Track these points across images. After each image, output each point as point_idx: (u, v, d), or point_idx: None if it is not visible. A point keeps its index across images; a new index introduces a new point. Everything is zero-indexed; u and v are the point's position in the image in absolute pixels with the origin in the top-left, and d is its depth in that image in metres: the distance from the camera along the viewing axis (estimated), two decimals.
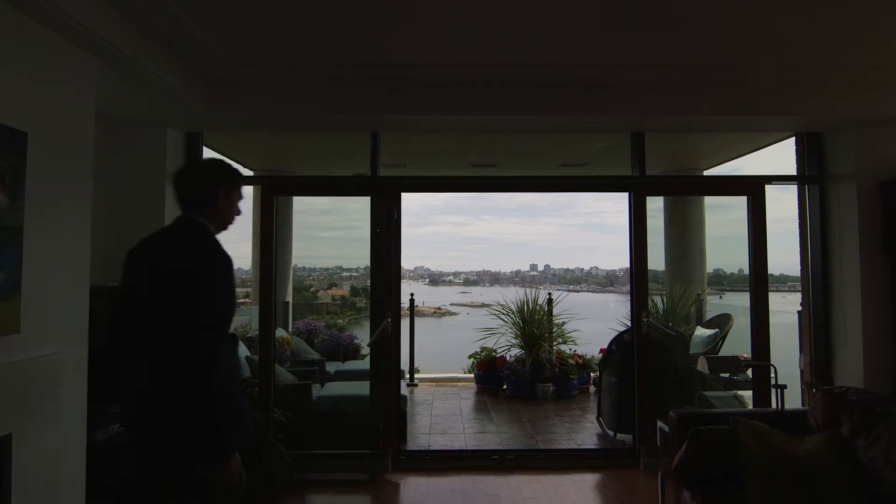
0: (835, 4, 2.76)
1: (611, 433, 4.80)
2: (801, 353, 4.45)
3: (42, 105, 2.43)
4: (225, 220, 2.08)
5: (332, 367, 5.90)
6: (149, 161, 3.97)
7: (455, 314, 21.83)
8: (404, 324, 7.21)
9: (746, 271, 4.41)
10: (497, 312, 7.26)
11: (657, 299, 6.64)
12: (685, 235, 7.13)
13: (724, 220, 7.63)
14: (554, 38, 3.17)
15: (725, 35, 3.13)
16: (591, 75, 3.66)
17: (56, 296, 2.49)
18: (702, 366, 3.38)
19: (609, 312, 7.24)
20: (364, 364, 5.59)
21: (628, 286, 4.47)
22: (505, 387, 6.57)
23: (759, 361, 4.11)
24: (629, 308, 4.43)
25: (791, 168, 4.53)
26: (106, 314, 3.14)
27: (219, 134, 4.84)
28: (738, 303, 5.68)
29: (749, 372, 4.46)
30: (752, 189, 4.31)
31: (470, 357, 7.13)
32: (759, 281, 4.26)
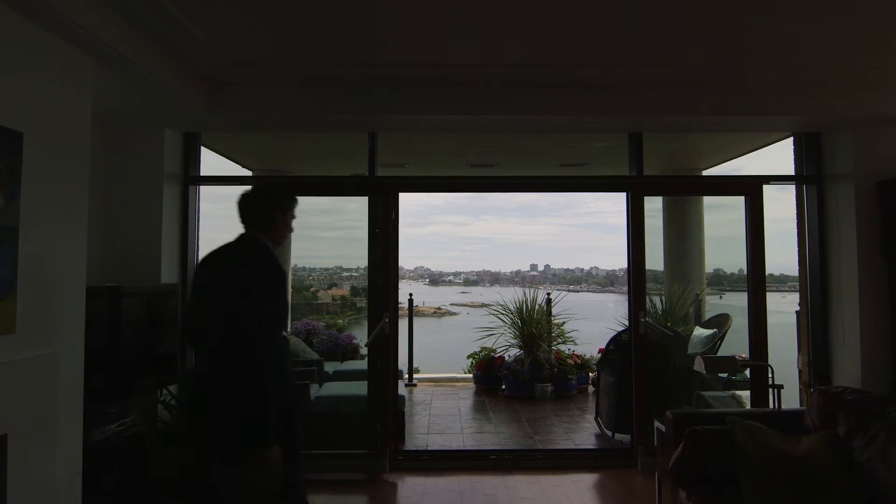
0: (834, 4, 2.76)
1: (609, 433, 4.80)
2: (799, 354, 4.45)
3: (38, 105, 2.43)
4: (281, 236, 2.41)
5: (330, 367, 5.90)
6: (147, 161, 3.98)
7: (455, 314, 21.83)
8: (403, 324, 7.24)
9: (746, 271, 4.40)
10: (496, 312, 7.26)
11: (656, 299, 6.64)
12: (684, 235, 7.12)
13: (723, 220, 7.62)
14: (554, 39, 3.16)
15: (725, 35, 3.13)
16: (590, 75, 3.66)
17: (52, 296, 2.49)
18: (698, 366, 3.38)
19: (608, 312, 7.22)
20: (363, 364, 5.57)
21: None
22: (504, 387, 6.58)
23: (755, 361, 4.11)
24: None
25: (790, 168, 4.53)
26: (102, 313, 3.17)
27: (217, 134, 4.84)
28: (737, 303, 5.68)
29: (747, 372, 4.45)
30: (750, 189, 4.31)
31: (469, 357, 7.13)
32: (756, 281, 4.26)
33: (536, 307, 7.12)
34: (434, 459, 4.31)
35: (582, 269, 24.31)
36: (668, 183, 5.31)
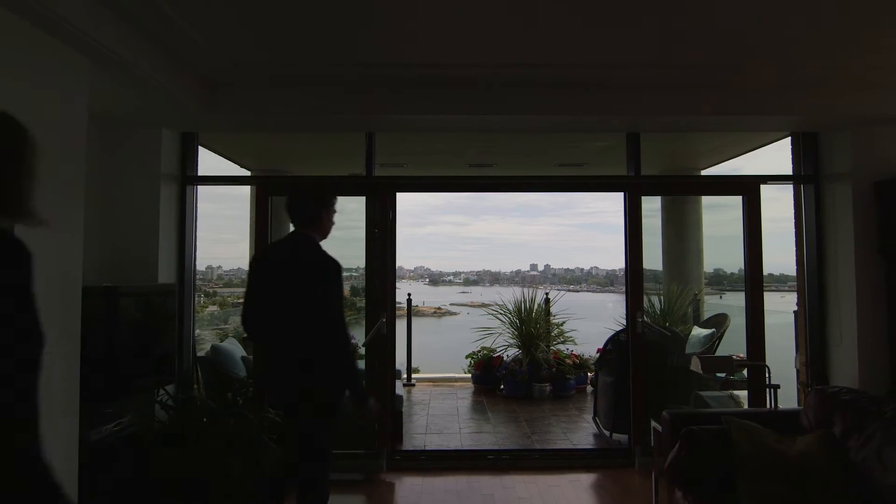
0: (832, 4, 2.76)
1: (607, 433, 4.80)
2: (796, 353, 4.44)
3: (34, 106, 2.43)
4: (325, 232, 2.77)
5: None
6: (144, 161, 3.98)
7: (455, 314, 21.86)
8: (401, 324, 7.24)
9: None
10: (494, 312, 7.26)
11: (655, 299, 6.64)
12: (683, 235, 7.12)
13: (723, 219, 7.61)
14: (552, 39, 3.16)
15: (723, 35, 3.12)
16: (588, 75, 3.65)
17: (47, 295, 2.47)
18: (695, 365, 3.38)
19: (607, 312, 7.22)
20: (361, 364, 5.58)
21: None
22: (502, 387, 6.57)
23: (752, 361, 4.11)
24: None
25: (790, 168, 4.52)
26: (99, 313, 3.17)
27: (215, 134, 4.85)
28: (737, 303, 5.68)
29: (745, 372, 4.45)
30: (748, 189, 4.31)
31: (467, 357, 7.13)
32: (754, 281, 4.26)
33: (535, 307, 7.12)
34: (431, 459, 4.31)
35: (582, 269, 24.33)
36: (665, 183, 5.32)
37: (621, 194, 4.40)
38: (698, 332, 5.74)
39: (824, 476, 2.43)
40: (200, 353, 4.68)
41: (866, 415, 2.53)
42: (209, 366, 4.49)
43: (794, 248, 4.46)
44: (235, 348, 4.84)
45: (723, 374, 4.72)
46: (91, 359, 2.88)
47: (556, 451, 4.57)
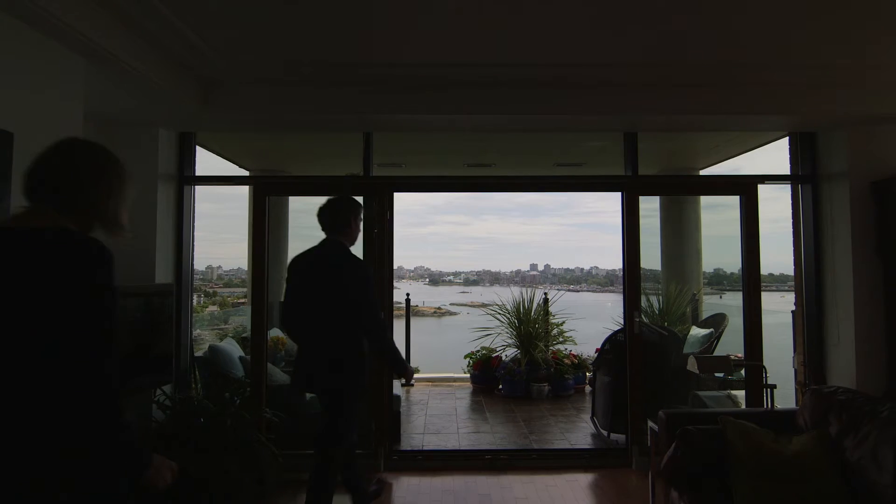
0: (830, 4, 2.76)
1: (604, 433, 4.80)
2: (794, 353, 4.44)
3: (29, 106, 2.44)
4: (354, 238, 3.07)
5: None
6: (141, 161, 3.97)
7: (455, 314, 21.85)
8: (400, 324, 7.25)
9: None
10: (493, 312, 7.26)
11: (653, 299, 6.64)
12: (682, 235, 7.12)
13: (722, 219, 7.62)
14: (551, 39, 3.16)
15: (720, 35, 3.13)
16: (588, 75, 3.65)
17: None
18: (691, 365, 3.38)
19: (606, 312, 7.23)
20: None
21: None
22: (500, 387, 6.57)
23: (749, 361, 4.11)
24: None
25: (789, 167, 4.52)
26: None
27: (213, 134, 4.85)
28: (737, 303, 5.68)
29: (743, 371, 4.45)
30: (745, 189, 4.31)
31: (466, 357, 7.13)
32: (751, 281, 4.26)
33: (534, 307, 7.12)
34: (429, 459, 4.31)
35: (582, 269, 24.33)
36: (662, 183, 5.32)
37: (621, 194, 4.40)
38: (696, 332, 5.74)
39: (820, 476, 2.43)
40: (198, 353, 4.69)
41: (862, 415, 2.53)
42: (207, 366, 4.49)
43: (792, 248, 4.46)
44: (233, 348, 4.84)
45: (721, 374, 4.72)
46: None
47: (553, 451, 4.57)
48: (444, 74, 3.63)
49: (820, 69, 3.55)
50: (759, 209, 4.29)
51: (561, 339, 7.16)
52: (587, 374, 6.61)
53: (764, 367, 3.62)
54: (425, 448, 4.58)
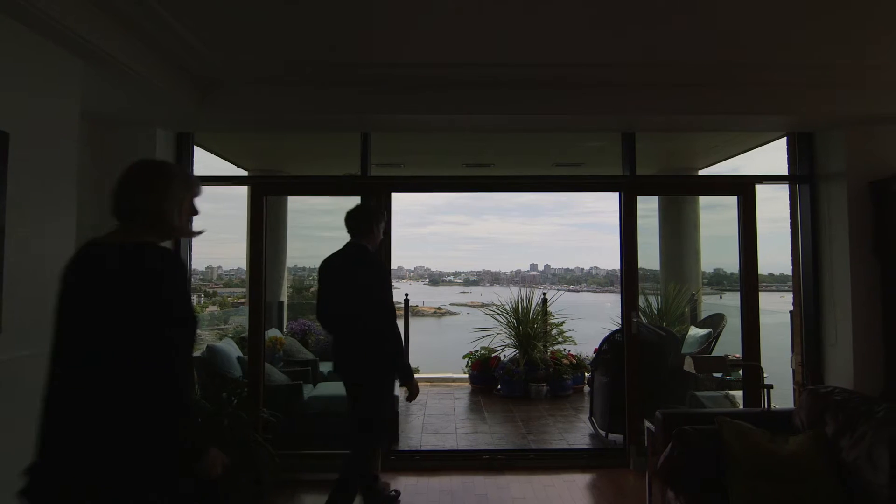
0: (828, 5, 2.76)
1: (602, 433, 4.79)
2: (792, 353, 4.44)
3: (26, 106, 2.44)
4: (376, 241, 3.36)
5: (326, 367, 5.90)
6: None
7: (455, 314, 21.80)
8: (400, 324, 7.21)
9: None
10: (491, 313, 7.26)
11: (652, 299, 6.63)
12: (680, 235, 7.12)
13: (722, 219, 7.61)
14: (549, 39, 3.16)
15: (719, 35, 3.13)
16: (586, 75, 3.65)
17: (40, 295, 2.48)
18: (688, 365, 3.37)
19: (605, 312, 7.22)
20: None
21: None
22: (499, 387, 6.57)
23: (746, 361, 4.11)
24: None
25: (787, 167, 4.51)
26: None
27: (212, 134, 4.85)
28: (737, 303, 5.69)
29: (741, 371, 4.45)
30: (743, 189, 4.31)
31: (464, 357, 7.12)
32: (749, 281, 4.26)
33: (532, 307, 7.12)
34: (427, 459, 4.31)
35: (582, 269, 24.31)
36: (660, 183, 5.32)
37: (618, 194, 4.39)
38: (695, 332, 5.74)
39: (816, 476, 2.43)
40: (196, 354, 4.69)
41: (858, 415, 2.53)
42: (204, 366, 4.49)
43: (790, 248, 4.46)
44: (231, 349, 4.84)
45: (719, 374, 4.72)
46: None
47: (551, 451, 4.57)
48: (444, 74, 3.63)
49: (820, 69, 3.55)
50: (756, 209, 4.29)
51: (560, 340, 7.15)
52: (586, 374, 6.61)
53: (761, 367, 3.61)
54: (423, 448, 4.58)
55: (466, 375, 7.04)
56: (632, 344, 4.25)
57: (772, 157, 5.02)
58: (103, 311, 1.47)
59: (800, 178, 4.36)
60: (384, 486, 3.65)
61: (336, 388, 5.03)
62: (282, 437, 3.90)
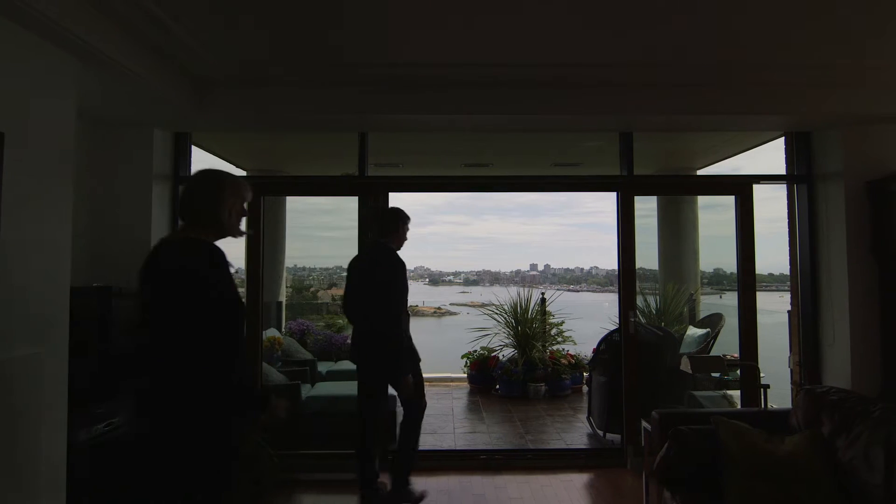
0: (830, 4, 2.76)
1: (600, 433, 4.79)
2: (790, 353, 4.44)
3: (21, 105, 2.44)
4: (401, 242, 3.60)
5: (325, 367, 5.91)
6: (136, 161, 3.98)
7: (455, 314, 21.82)
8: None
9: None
10: (490, 312, 7.26)
11: (651, 299, 6.63)
12: (679, 235, 7.11)
13: (722, 219, 7.59)
14: (548, 39, 3.16)
15: (721, 35, 3.12)
16: (585, 75, 3.65)
17: (35, 296, 2.49)
18: (685, 365, 3.37)
19: (604, 312, 7.22)
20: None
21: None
22: (498, 387, 6.57)
23: (743, 361, 4.10)
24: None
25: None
26: (91, 313, 3.17)
27: (210, 134, 4.85)
28: (736, 303, 5.70)
29: (739, 371, 4.44)
30: (740, 189, 4.30)
31: (463, 357, 7.12)
32: (746, 281, 4.26)
33: (531, 307, 7.12)
34: (424, 459, 4.29)
35: (582, 269, 24.32)
36: (657, 183, 5.31)
37: (616, 194, 4.39)
38: (693, 331, 5.74)
39: (811, 476, 2.43)
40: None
41: (854, 415, 2.54)
42: None
43: (788, 248, 4.45)
44: None
45: (717, 374, 4.72)
46: (82, 359, 2.89)
47: (549, 451, 4.57)
48: (444, 74, 3.63)
49: (819, 69, 3.54)
50: (754, 209, 4.29)
51: (560, 339, 7.16)
52: (584, 374, 6.61)
53: (757, 367, 3.61)
54: (421, 448, 4.56)
55: (465, 375, 7.05)
56: (629, 344, 4.26)
57: (771, 156, 5.02)
58: (162, 295, 1.85)
59: (797, 177, 4.35)
60: (381, 485, 3.66)
61: (334, 388, 5.04)
62: (280, 438, 3.89)
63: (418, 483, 3.88)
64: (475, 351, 7.09)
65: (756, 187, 4.35)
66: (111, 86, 3.17)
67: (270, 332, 5.63)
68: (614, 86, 3.75)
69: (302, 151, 6.20)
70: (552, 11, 2.83)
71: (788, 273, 4.51)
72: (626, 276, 4.30)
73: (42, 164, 2.56)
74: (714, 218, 7.50)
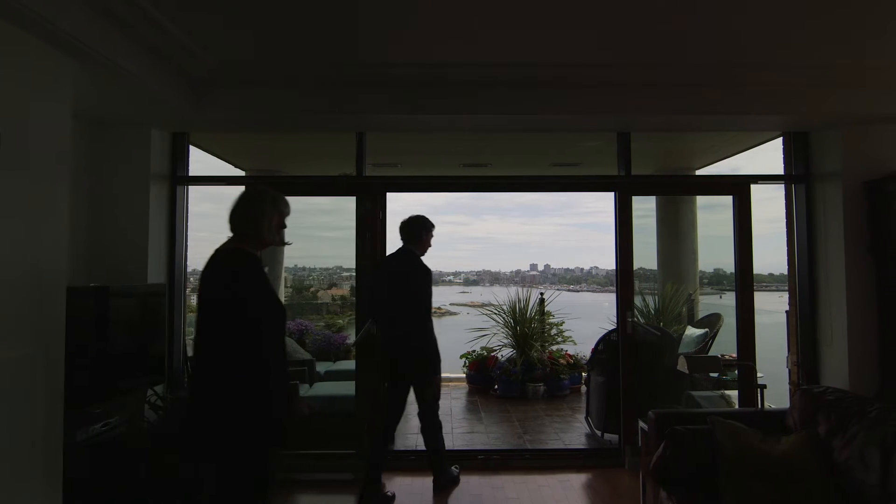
0: (830, 4, 2.75)
1: (598, 433, 4.79)
2: (788, 353, 4.43)
3: (17, 106, 2.44)
4: (425, 248, 3.80)
5: (323, 367, 5.91)
6: (134, 161, 3.98)
7: (455, 314, 21.79)
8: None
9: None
10: (489, 313, 7.26)
11: (649, 299, 6.62)
12: (678, 235, 7.11)
13: (722, 219, 7.57)
14: (546, 39, 3.16)
15: (721, 35, 3.12)
16: (588, 75, 3.65)
17: (30, 297, 2.49)
18: (682, 365, 3.37)
19: (603, 312, 7.22)
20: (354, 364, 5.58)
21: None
22: (496, 387, 6.57)
23: (740, 361, 4.10)
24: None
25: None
26: (88, 313, 3.16)
27: (209, 134, 4.84)
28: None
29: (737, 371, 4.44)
30: (738, 189, 4.30)
31: (462, 357, 7.12)
32: (744, 280, 4.25)
33: (530, 307, 7.11)
34: (422, 459, 4.27)
35: (582, 269, 24.29)
36: (655, 183, 5.31)
37: (614, 194, 4.39)
38: (692, 331, 5.74)
39: (808, 476, 2.43)
40: (191, 354, 4.68)
41: (850, 415, 2.53)
42: None
43: (786, 248, 4.45)
44: None
45: (715, 374, 4.71)
46: (80, 359, 2.89)
47: (547, 451, 4.57)
48: (444, 74, 3.62)
49: (819, 69, 3.54)
50: (751, 209, 4.28)
51: (560, 339, 7.15)
52: (583, 374, 6.60)
53: (755, 366, 3.61)
54: (419, 448, 4.56)
55: (464, 375, 7.04)
56: (626, 344, 4.25)
57: (770, 156, 5.02)
58: (208, 299, 2.11)
59: (795, 177, 4.35)
60: (381, 486, 3.65)
61: (333, 388, 5.04)
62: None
63: (416, 483, 3.89)
64: (474, 351, 7.08)
65: (755, 187, 4.34)
66: (108, 86, 3.17)
67: None
68: (614, 86, 3.74)
69: (302, 151, 6.19)
70: (554, 11, 2.83)
71: (787, 273, 4.51)
72: (624, 277, 4.30)
73: (39, 164, 2.56)
74: (714, 218, 7.48)
